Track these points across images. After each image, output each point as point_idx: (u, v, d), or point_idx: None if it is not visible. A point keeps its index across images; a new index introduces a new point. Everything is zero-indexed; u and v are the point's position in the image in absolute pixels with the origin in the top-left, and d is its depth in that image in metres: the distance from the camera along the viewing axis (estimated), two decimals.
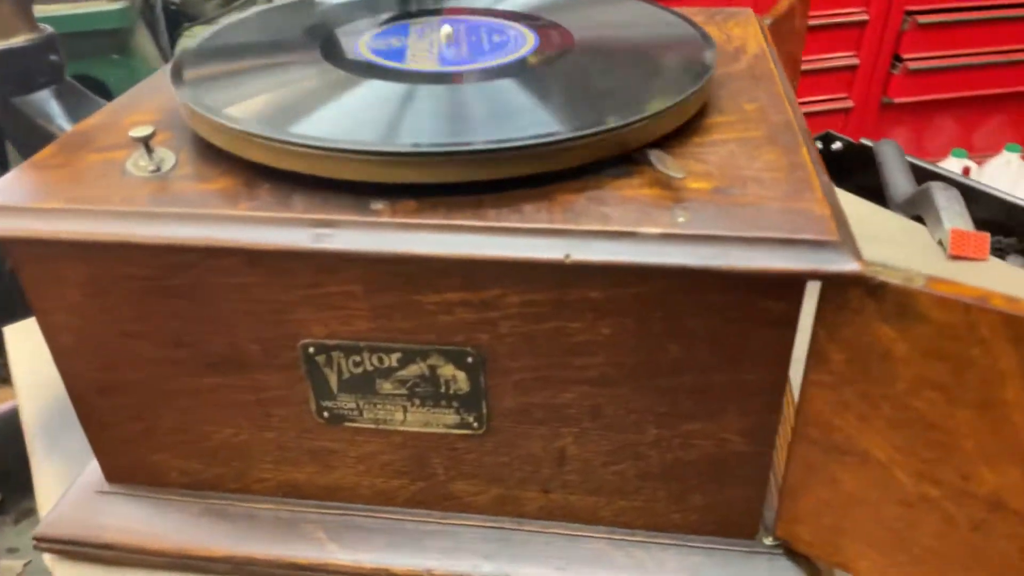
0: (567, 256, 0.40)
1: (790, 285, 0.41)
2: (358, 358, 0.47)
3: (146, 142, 0.46)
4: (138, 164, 0.47)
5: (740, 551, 0.52)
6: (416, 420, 0.49)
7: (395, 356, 0.47)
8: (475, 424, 0.49)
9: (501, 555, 0.52)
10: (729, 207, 0.42)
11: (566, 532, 0.53)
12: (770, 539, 0.52)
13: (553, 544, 0.52)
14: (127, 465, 0.56)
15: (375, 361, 0.47)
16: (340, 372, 0.48)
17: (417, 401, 0.49)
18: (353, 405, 0.49)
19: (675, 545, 0.52)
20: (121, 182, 0.46)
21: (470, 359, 0.46)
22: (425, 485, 0.53)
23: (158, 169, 0.47)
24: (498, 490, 0.52)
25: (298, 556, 0.53)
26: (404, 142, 0.43)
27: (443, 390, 0.48)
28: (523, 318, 0.44)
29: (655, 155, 0.44)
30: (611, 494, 0.51)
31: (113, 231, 0.43)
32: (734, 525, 0.51)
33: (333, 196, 0.44)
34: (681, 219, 0.41)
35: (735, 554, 0.51)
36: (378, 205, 0.43)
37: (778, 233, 0.40)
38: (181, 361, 0.49)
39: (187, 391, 0.51)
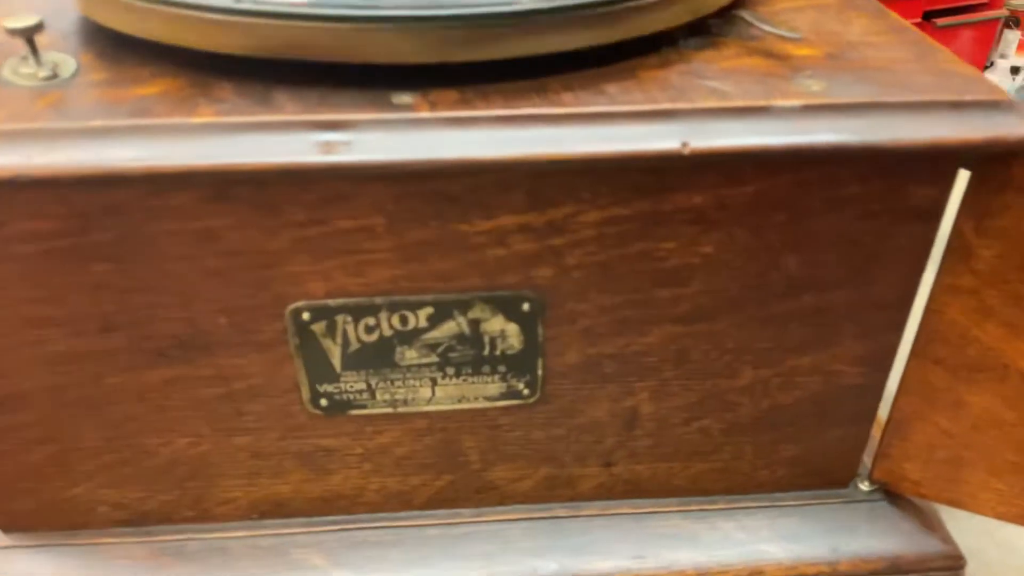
0: (684, 145, 0.30)
1: (946, 164, 0.32)
2: (372, 321, 0.35)
3: (30, 37, 0.31)
4: (20, 71, 0.32)
5: (835, 503, 0.44)
6: (448, 396, 0.38)
7: (425, 312, 0.35)
8: (526, 391, 0.38)
9: (560, 550, 0.41)
10: (862, 72, 0.33)
11: (632, 511, 0.43)
12: (866, 484, 0.44)
13: (619, 528, 0.42)
14: (32, 507, 0.40)
15: (396, 323, 0.35)
16: (346, 343, 0.35)
17: (451, 371, 0.37)
18: (363, 386, 0.37)
19: (762, 508, 0.43)
20: (1, 95, 0.31)
21: (526, 305, 0.35)
22: (453, 478, 0.41)
23: (54, 76, 0.32)
24: (548, 471, 0.41)
25: None
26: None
27: (487, 352, 0.36)
28: (600, 242, 0.33)
29: (751, 15, 0.34)
30: (688, 457, 0.41)
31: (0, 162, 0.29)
32: (828, 474, 0.43)
33: (332, 92, 0.31)
34: (815, 88, 0.31)
35: (830, 507, 0.43)
36: (404, 98, 0.30)
37: (945, 95, 0.31)
38: (112, 352, 0.35)
39: (121, 393, 0.36)
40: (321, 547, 0.41)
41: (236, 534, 0.41)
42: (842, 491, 0.44)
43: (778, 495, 0.43)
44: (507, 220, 0.32)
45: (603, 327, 0.36)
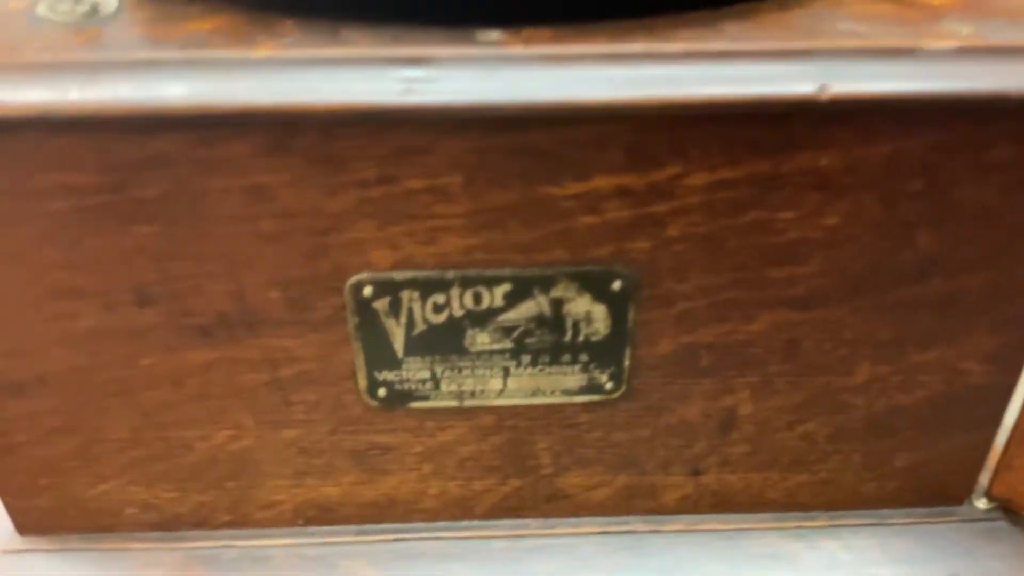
0: (822, 88, 0.25)
1: None
2: (442, 298, 0.31)
3: None
4: (57, 8, 0.29)
5: (950, 522, 0.38)
6: (521, 388, 0.33)
7: (502, 290, 0.30)
8: (609, 385, 0.33)
9: (641, 570, 0.37)
10: (1015, 18, 0.28)
11: (722, 527, 0.38)
12: (984, 501, 0.39)
13: (708, 546, 0.37)
14: (52, 506, 0.36)
15: (469, 301, 0.31)
16: (411, 323, 0.31)
17: (526, 359, 0.32)
18: (427, 374, 0.33)
19: (869, 526, 0.38)
20: (35, 31, 0.27)
21: (617, 284, 0.30)
22: (521, 484, 0.37)
23: (94, 12, 0.28)
24: (627, 478, 0.37)
25: None
26: None
27: (568, 338, 0.32)
28: (708, 210, 0.29)
29: None
30: (787, 467, 0.37)
31: (29, 98, 0.25)
32: (942, 489, 0.38)
33: (408, 29, 0.27)
34: (965, 31, 0.27)
35: (945, 527, 0.38)
36: (492, 35, 0.26)
37: None
38: (147, 329, 0.31)
39: (156, 378, 0.32)
40: (373, 559, 0.37)
41: (279, 542, 0.37)
42: (956, 508, 0.39)
43: (885, 512, 0.38)
44: (602, 182, 0.28)
45: (703, 311, 0.31)
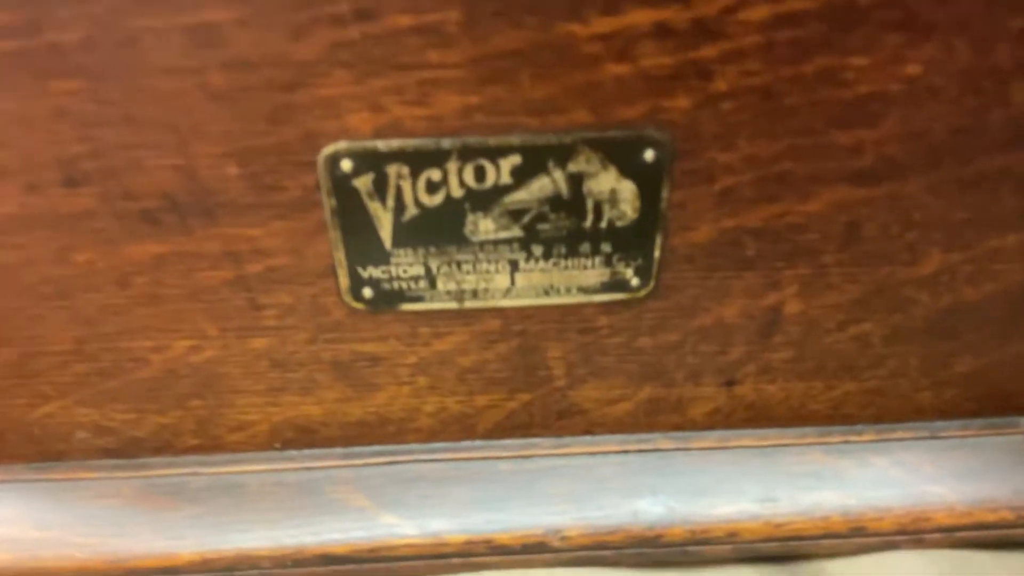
0: None
1: None
2: (437, 174, 0.25)
3: None
4: None
5: (1014, 434, 0.34)
6: (531, 286, 0.28)
7: (509, 163, 0.25)
8: (635, 282, 0.28)
9: (667, 490, 0.32)
10: None
11: (757, 443, 0.33)
12: None
13: (742, 463, 0.33)
14: None
15: (470, 177, 0.25)
16: (400, 207, 0.26)
17: (538, 250, 0.27)
18: (420, 270, 0.27)
19: (922, 439, 0.34)
20: None
21: (650, 153, 0.25)
22: (531, 399, 0.32)
23: None
24: (652, 391, 0.32)
25: (331, 540, 0.31)
26: None
27: (589, 223, 0.27)
28: (766, 55, 0.23)
29: None
30: (834, 374, 0.32)
31: None
32: (1006, 398, 0.34)
33: None
34: None
35: (1007, 440, 0.34)
36: None
37: None
38: (80, 216, 0.25)
39: (96, 276, 0.27)
40: (363, 484, 0.32)
41: (253, 468, 0.32)
42: (1020, 419, 0.34)
43: (940, 424, 0.34)
44: (637, 16, 0.22)
45: (751, 188, 0.26)
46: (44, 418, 0.31)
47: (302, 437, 0.32)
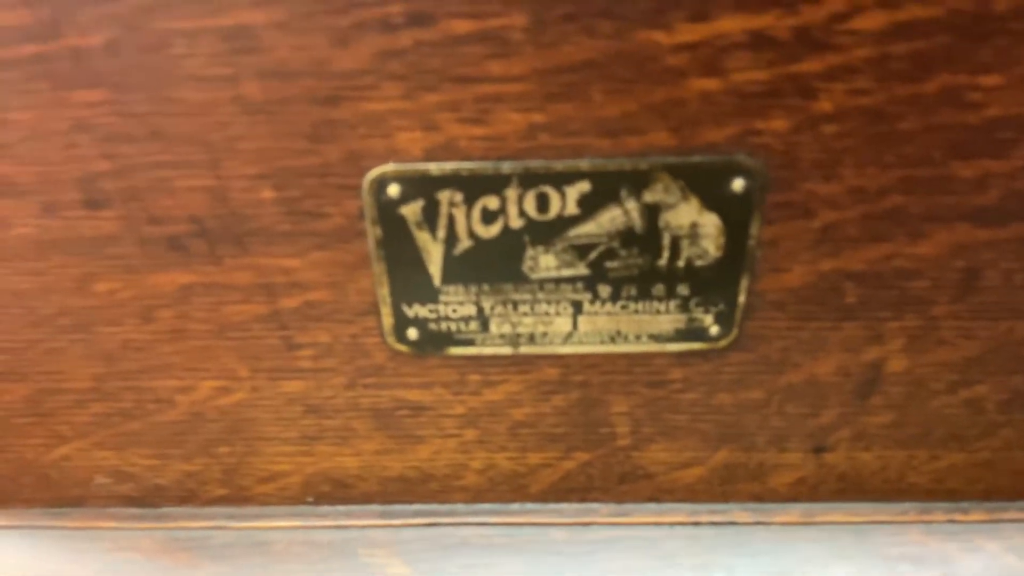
0: None
1: None
2: (495, 202, 0.22)
3: None
4: None
5: None
6: (596, 331, 0.25)
7: (576, 190, 0.22)
8: (715, 330, 0.25)
9: (744, 569, 0.28)
10: None
11: (846, 518, 0.29)
12: None
13: (831, 542, 0.29)
14: (3, 472, 0.29)
15: (531, 207, 0.22)
16: (452, 238, 0.23)
17: (605, 291, 0.24)
18: (471, 310, 0.24)
19: None
20: None
21: (739, 183, 0.22)
22: (590, 458, 0.28)
23: None
24: (728, 455, 0.28)
25: None
26: None
27: (664, 261, 0.23)
28: (879, 70, 0.20)
29: None
30: (940, 443, 0.28)
31: None
32: None
33: None
34: None
35: None
36: None
37: None
38: (102, 240, 0.23)
39: (117, 308, 0.25)
40: (400, 548, 0.29)
41: (282, 523, 0.29)
42: None
43: None
44: (730, 24, 0.19)
45: (855, 226, 0.23)
46: (61, 460, 0.29)
47: (336, 491, 0.29)
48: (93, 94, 0.21)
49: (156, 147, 0.21)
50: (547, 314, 0.25)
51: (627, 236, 0.23)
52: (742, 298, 0.24)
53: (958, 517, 0.29)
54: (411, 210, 0.22)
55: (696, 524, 0.29)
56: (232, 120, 0.21)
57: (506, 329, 0.25)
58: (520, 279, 0.24)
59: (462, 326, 0.25)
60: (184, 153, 0.22)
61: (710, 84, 0.20)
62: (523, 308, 0.25)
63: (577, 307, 0.24)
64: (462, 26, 0.19)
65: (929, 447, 0.28)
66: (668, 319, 0.25)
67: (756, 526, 0.29)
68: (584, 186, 0.22)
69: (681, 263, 0.23)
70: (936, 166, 0.22)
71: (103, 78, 0.20)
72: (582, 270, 0.24)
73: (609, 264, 0.24)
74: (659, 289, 0.24)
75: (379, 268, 0.24)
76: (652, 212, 0.22)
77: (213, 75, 0.20)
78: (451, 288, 0.24)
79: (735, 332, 0.25)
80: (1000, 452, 0.28)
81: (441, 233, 0.23)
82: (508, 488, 0.29)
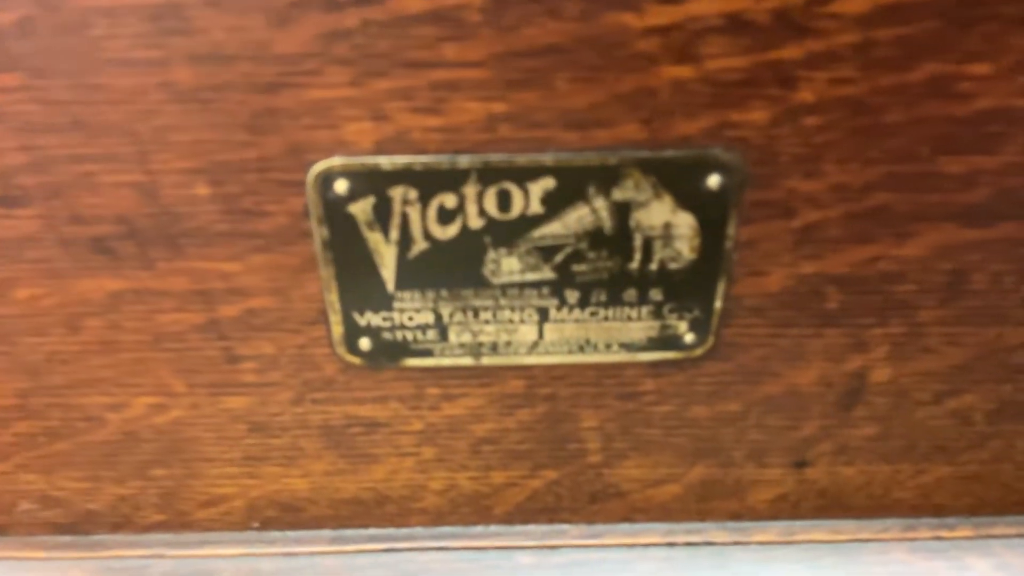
0: None
1: None
2: (452, 199, 0.20)
3: None
4: None
5: None
6: (563, 340, 0.23)
7: (540, 187, 0.20)
8: (690, 337, 0.23)
9: None
10: None
11: (828, 537, 0.28)
12: None
13: (812, 562, 0.27)
14: None
15: (491, 205, 0.21)
16: (406, 239, 0.21)
17: (572, 297, 0.22)
18: (428, 317, 0.23)
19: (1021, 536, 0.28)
20: None
21: (715, 179, 0.20)
22: (559, 476, 0.27)
23: None
24: (704, 471, 0.27)
25: None
26: None
27: (635, 264, 0.22)
28: (863, 58, 0.19)
29: None
30: (926, 455, 0.27)
31: None
32: None
33: None
34: None
35: None
36: None
37: None
38: (20, 242, 0.21)
39: (40, 317, 0.22)
40: (354, 574, 0.27)
41: (226, 551, 0.27)
42: None
43: None
44: (704, 6, 0.18)
45: (837, 226, 0.21)
46: None
47: (285, 516, 0.27)
48: (7, 78, 0.19)
49: (78, 138, 0.19)
50: (511, 322, 0.23)
51: (595, 237, 0.21)
52: (718, 304, 0.23)
53: (944, 534, 0.28)
54: (361, 208, 0.21)
55: (671, 545, 0.28)
56: (161, 109, 0.19)
57: (466, 338, 0.23)
58: (481, 284, 0.22)
59: (419, 335, 0.23)
60: (109, 145, 0.20)
61: (683, 72, 0.19)
62: (484, 315, 0.23)
63: (543, 314, 0.23)
64: (414, 4, 0.18)
65: (914, 460, 0.27)
66: (640, 326, 0.23)
67: (734, 546, 0.27)
68: (549, 183, 0.20)
69: (653, 266, 0.22)
70: (922, 162, 0.20)
71: (18, 61, 0.18)
72: (547, 274, 0.22)
73: (576, 267, 0.22)
74: (630, 294, 0.22)
75: (327, 272, 0.22)
76: (622, 211, 0.21)
77: (139, 59, 0.18)
78: (406, 294, 0.22)
79: (711, 340, 0.23)
80: (988, 465, 0.27)
81: (394, 234, 0.21)
82: (470, 510, 0.27)
